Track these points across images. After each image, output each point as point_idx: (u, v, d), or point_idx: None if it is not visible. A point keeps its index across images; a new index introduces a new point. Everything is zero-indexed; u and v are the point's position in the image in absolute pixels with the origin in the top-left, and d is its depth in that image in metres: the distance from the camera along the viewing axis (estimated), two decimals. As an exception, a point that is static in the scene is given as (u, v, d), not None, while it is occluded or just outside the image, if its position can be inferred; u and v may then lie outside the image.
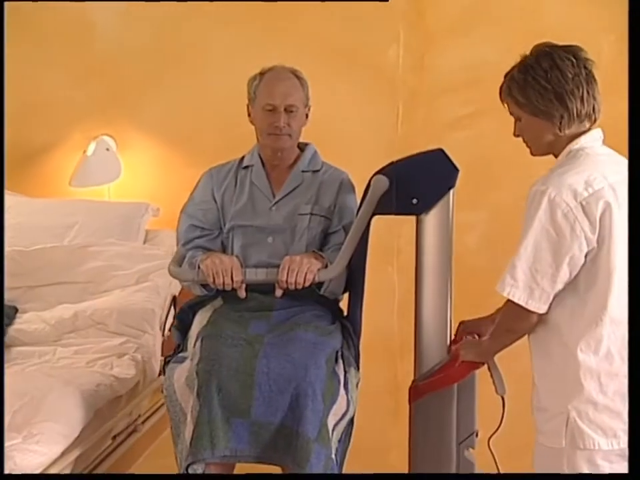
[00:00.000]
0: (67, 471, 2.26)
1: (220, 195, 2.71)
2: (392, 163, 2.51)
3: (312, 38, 3.70)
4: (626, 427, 1.96)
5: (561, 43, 2.11)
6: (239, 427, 2.30)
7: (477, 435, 2.50)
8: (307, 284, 2.45)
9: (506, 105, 2.13)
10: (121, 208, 3.52)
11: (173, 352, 2.62)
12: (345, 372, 2.49)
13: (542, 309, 2.01)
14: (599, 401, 1.98)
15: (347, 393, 2.45)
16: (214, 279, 2.46)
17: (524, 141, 2.14)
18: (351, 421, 2.49)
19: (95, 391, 2.47)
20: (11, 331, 2.94)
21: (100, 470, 2.51)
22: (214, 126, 3.77)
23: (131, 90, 3.82)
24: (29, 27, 3.79)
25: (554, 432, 2.02)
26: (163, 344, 3.16)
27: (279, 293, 2.50)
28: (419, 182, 2.47)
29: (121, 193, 3.81)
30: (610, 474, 2.00)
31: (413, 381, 2.51)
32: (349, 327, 2.61)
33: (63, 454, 2.23)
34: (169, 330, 3.27)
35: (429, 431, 2.48)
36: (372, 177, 2.48)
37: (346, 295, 2.68)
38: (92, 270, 3.19)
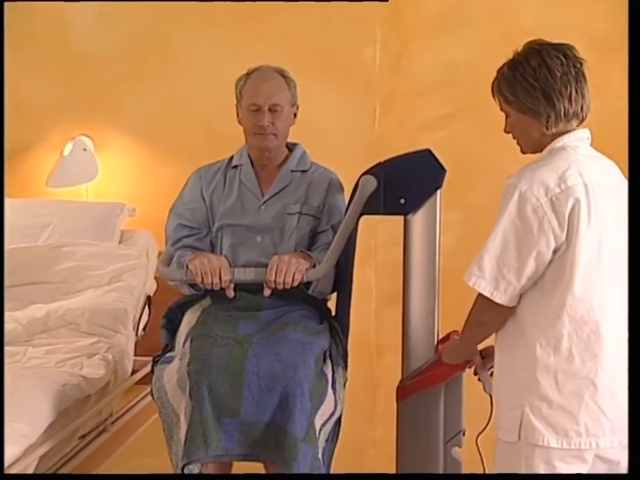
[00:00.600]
0: (30, 470, 2.26)
1: (209, 194, 2.72)
2: (380, 164, 2.53)
3: (289, 38, 3.71)
4: (579, 428, 1.96)
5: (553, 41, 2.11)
6: (229, 426, 2.32)
7: (464, 434, 2.52)
8: (295, 284, 2.47)
9: (497, 101, 2.12)
10: (96, 208, 3.52)
11: (161, 352, 2.62)
12: (333, 372, 2.50)
13: (508, 302, 2.00)
14: (554, 399, 1.97)
15: (334, 393, 2.47)
16: (202, 278, 2.47)
17: (514, 138, 2.14)
18: (338, 420, 2.50)
19: (61, 391, 2.47)
20: (-18, 331, 2.94)
21: (66, 469, 2.51)
22: (192, 126, 3.77)
23: (109, 90, 3.82)
24: (6, 27, 3.78)
25: (509, 426, 2.02)
26: (136, 344, 3.17)
27: (267, 292, 2.52)
28: (406, 182, 2.50)
29: (99, 193, 3.81)
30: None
31: (401, 381, 2.54)
32: (337, 326, 2.62)
33: (26, 453, 2.22)
34: (143, 329, 3.28)
35: (416, 430, 2.51)
36: (360, 177, 2.50)
37: (334, 295, 2.69)
38: (65, 270, 3.19)
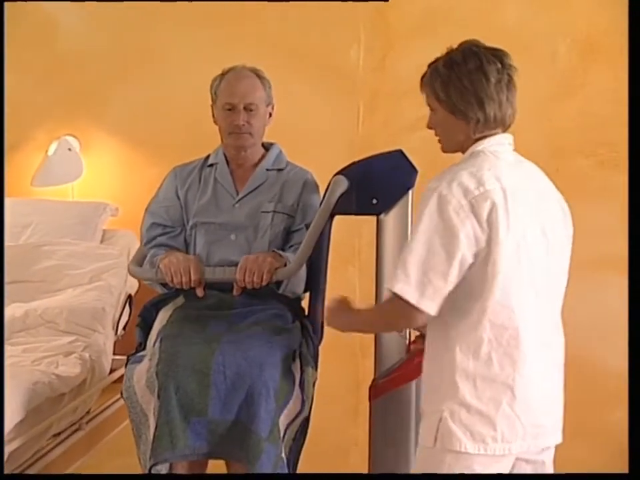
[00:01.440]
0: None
1: (183, 193, 2.73)
2: (353, 164, 2.54)
3: (273, 38, 3.71)
4: (496, 434, 1.93)
5: (488, 45, 2.10)
6: (197, 425, 2.33)
7: None
8: (264, 283, 2.47)
9: (424, 95, 2.10)
10: (78, 207, 3.54)
11: (134, 351, 2.62)
12: (302, 371, 2.50)
13: (433, 310, 1.92)
14: (472, 405, 1.93)
15: (302, 393, 2.47)
16: (172, 278, 2.49)
17: (436, 135, 2.11)
18: (306, 419, 2.50)
19: (31, 389, 2.47)
20: (-37, 330, 2.95)
21: (38, 466, 2.52)
22: (176, 126, 3.78)
23: (94, 90, 3.83)
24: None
25: (428, 431, 1.98)
26: (116, 343, 3.18)
27: (237, 291, 2.52)
28: (378, 182, 2.50)
29: (85, 193, 3.82)
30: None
31: (373, 380, 2.55)
32: (309, 326, 2.63)
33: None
34: (123, 329, 3.29)
35: (388, 430, 2.52)
36: (332, 177, 2.51)
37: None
38: (45, 269, 3.21)
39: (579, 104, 3.57)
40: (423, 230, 1.91)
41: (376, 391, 2.52)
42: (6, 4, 3.74)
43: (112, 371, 3.05)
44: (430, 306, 1.90)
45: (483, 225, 1.90)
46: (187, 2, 3.68)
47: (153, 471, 2.30)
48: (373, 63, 3.70)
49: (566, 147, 3.60)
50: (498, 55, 2.02)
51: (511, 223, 1.91)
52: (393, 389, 2.49)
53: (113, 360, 3.09)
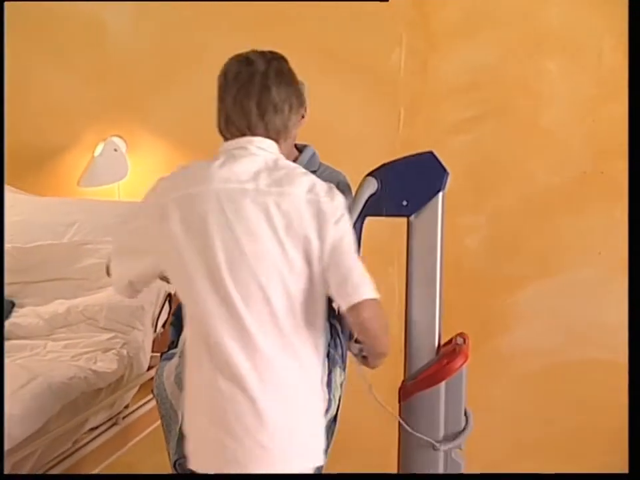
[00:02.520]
0: (33, 458, 2.33)
1: None
2: (383, 165, 2.55)
3: (315, 41, 3.74)
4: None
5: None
6: None
7: None
8: None
9: None
10: (120, 207, 3.58)
11: (167, 348, 2.66)
12: (330, 371, 2.50)
13: None
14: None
15: (329, 392, 2.46)
16: None
17: None
18: (334, 419, 2.50)
19: (67, 384, 2.53)
20: (7, 325, 3.03)
21: (74, 458, 2.57)
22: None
23: (140, 91, 3.90)
24: (41, 30, 3.90)
25: None
26: (155, 340, 3.24)
27: None
28: (408, 184, 2.52)
29: (131, 193, 3.89)
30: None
31: (402, 382, 2.57)
32: (337, 326, 2.62)
33: (27, 441, 2.29)
34: (163, 326, 3.34)
35: (417, 431, 2.53)
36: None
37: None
38: (87, 267, 3.26)
39: (625, 105, 3.52)
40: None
41: (405, 392, 2.54)
42: (54, 6, 3.87)
43: (150, 367, 3.09)
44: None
45: None
46: (231, 2, 3.73)
47: (177, 466, 2.33)
48: (414, 66, 3.71)
49: (610, 149, 3.55)
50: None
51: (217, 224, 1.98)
52: (421, 390, 2.50)
53: (152, 357, 3.14)
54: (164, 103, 3.88)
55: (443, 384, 2.50)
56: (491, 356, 3.69)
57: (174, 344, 2.63)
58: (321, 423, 2.08)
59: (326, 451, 2.48)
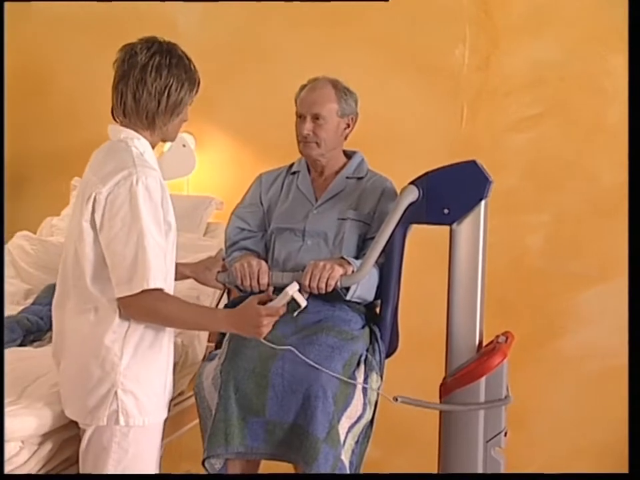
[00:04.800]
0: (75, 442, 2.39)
1: (267, 199, 2.83)
2: (426, 174, 2.58)
3: (379, 39, 3.76)
4: None
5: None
6: (255, 425, 2.42)
7: (505, 434, 2.55)
8: (329, 289, 2.51)
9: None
10: (187, 201, 3.69)
11: (214, 348, 2.76)
12: (366, 376, 2.54)
13: None
14: None
15: (364, 397, 2.50)
16: (242, 281, 2.58)
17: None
18: (370, 423, 2.54)
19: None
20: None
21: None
22: (285, 125, 3.87)
23: (211, 89, 3.97)
24: (111, 28, 4.02)
25: None
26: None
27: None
28: (450, 192, 2.54)
29: (199, 187, 4.01)
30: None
31: (443, 378, 2.60)
32: (377, 332, 2.66)
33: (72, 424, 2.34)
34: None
35: (457, 429, 2.56)
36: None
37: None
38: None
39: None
40: None
41: (445, 389, 2.57)
42: (126, 5, 3.98)
43: (205, 357, 3.18)
44: None
45: None
46: (297, 2, 3.77)
47: (206, 463, 2.41)
48: (477, 62, 3.69)
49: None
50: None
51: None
52: (461, 386, 2.52)
53: (208, 347, 3.19)
54: (231, 99, 3.96)
55: (482, 380, 2.51)
56: (551, 356, 3.67)
57: (219, 344, 2.73)
58: None
59: (362, 455, 2.55)
